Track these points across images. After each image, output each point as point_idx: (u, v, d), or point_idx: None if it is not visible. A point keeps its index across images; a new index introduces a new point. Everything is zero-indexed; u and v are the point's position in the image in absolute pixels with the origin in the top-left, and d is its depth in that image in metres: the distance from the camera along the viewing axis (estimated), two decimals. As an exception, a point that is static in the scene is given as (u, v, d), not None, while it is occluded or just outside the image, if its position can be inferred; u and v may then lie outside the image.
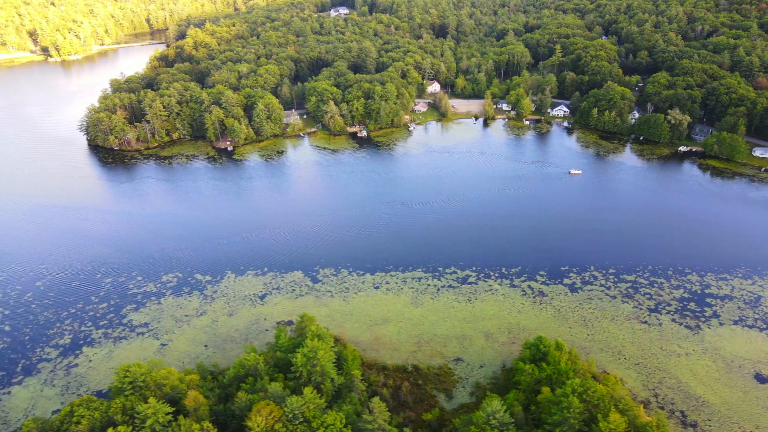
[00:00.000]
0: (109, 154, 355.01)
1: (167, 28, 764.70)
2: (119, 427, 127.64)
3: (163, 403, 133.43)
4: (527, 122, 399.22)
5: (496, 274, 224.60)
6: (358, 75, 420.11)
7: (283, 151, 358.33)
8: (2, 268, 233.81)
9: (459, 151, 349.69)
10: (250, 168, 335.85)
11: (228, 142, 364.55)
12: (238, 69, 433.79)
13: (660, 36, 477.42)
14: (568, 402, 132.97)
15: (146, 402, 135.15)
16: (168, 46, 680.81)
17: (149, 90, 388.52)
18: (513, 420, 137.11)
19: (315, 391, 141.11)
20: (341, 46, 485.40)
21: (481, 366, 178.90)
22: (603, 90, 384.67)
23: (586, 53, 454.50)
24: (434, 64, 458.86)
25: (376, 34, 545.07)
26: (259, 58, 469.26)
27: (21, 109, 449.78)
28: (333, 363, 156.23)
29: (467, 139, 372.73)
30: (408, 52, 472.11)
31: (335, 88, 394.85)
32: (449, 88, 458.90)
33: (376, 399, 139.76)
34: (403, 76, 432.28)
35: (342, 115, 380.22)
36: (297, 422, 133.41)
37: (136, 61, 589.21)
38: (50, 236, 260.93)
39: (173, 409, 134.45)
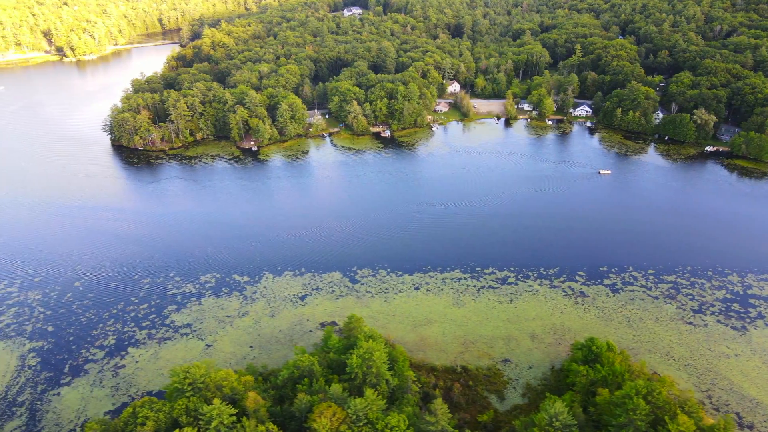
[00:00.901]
0: (134, 155, 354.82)
1: (179, 28, 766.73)
2: (185, 429, 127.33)
3: (227, 404, 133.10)
4: (549, 122, 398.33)
5: (535, 275, 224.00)
6: (379, 75, 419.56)
7: (308, 151, 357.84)
8: (40, 268, 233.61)
9: (485, 151, 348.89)
10: (276, 168, 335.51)
11: (252, 142, 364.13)
12: (258, 69, 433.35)
13: (680, 36, 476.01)
14: (633, 404, 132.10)
15: (209, 403, 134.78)
16: (182, 45, 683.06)
17: (172, 90, 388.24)
18: (576, 422, 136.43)
19: (376, 392, 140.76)
20: (360, 46, 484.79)
21: (530, 367, 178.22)
22: (627, 90, 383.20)
23: (606, 53, 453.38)
24: (454, 64, 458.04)
25: (393, 34, 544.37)
26: (278, 58, 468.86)
27: (41, 109, 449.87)
28: (387, 364, 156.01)
29: (491, 139, 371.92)
30: (427, 52, 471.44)
31: (357, 88, 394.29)
32: (469, 88, 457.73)
33: (438, 401, 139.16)
34: (424, 76, 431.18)
35: (365, 115, 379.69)
36: (361, 424, 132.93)
37: (151, 61, 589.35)
38: (83, 236, 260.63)
39: (237, 410, 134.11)
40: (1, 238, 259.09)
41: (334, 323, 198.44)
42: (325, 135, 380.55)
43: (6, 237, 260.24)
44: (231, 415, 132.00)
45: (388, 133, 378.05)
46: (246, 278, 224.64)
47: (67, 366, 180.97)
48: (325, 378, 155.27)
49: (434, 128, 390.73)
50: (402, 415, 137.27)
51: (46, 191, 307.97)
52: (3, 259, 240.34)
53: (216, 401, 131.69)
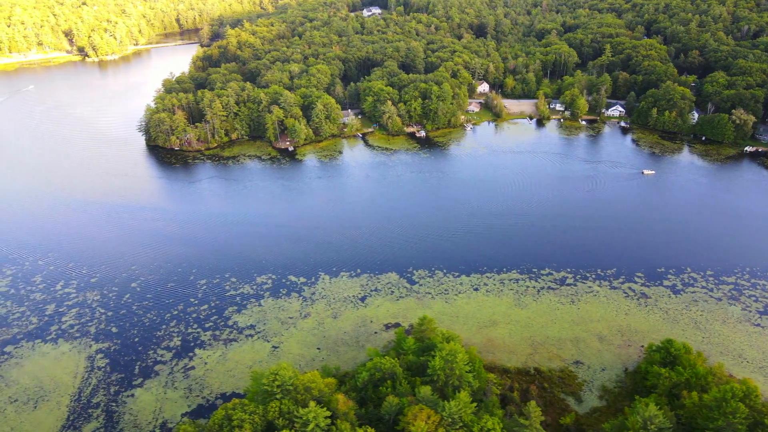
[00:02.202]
0: (171, 155, 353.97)
1: (197, 28, 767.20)
2: (283, 431, 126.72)
3: (321, 407, 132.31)
4: (583, 122, 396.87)
5: (593, 276, 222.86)
6: (411, 75, 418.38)
7: (345, 152, 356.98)
8: (94, 270, 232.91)
9: (523, 151, 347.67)
10: (316, 168, 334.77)
11: (288, 142, 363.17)
12: (289, 69, 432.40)
13: (709, 35, 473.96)
14: (731, 407, 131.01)
15: (304, 406, 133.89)
16: (203, 45, 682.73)
17: (206, 90, 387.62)
18: (671, 425, 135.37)
19: (468, 395, 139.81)
20: (388, 45, 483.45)
21: (603, 369, 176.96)
22: (662, 90, 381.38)
23: (636, 53, 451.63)
24: (483, 64, 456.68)
25: (418, 34, 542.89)
26: (306, 58, 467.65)
27: (71, 109, 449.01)
28: (468, 366, 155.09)
29: (527, 139, 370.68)
30: (455, 52, 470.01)
31: (391, 88, 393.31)
32: (498, 88, 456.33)
33: (532, 403, 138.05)
34: (454, 75, 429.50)
35: (399, 116, 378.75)
36: (457, 427, 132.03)
37: (173, 61, 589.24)
38: (132, 237, 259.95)
39: (330, 413, 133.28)
40: (53, 238, 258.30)
41: (398, 324, 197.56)
42: (360, 135, 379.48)
43: (57, 237, 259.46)
44: (325, 417, 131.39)
45: (423, 134, 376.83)
46: (302, 279, 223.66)
47: (136, 367, 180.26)
48: (407, 380, 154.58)
49: (468, 128, 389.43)
50: (494, 418, 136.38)
51: (89, 192, 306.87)
52: (57, 260, 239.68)
53: (312, 404, 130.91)
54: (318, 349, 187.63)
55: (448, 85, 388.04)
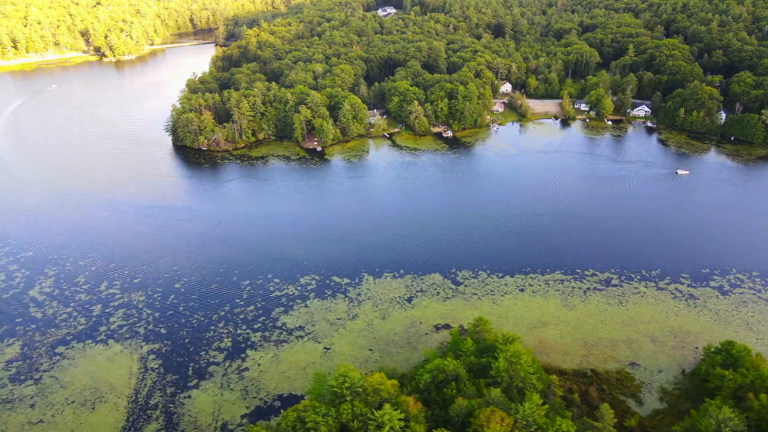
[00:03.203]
0: (199, 155, 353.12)
1: (211, 28, 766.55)
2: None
3: (395, 409, 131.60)
4: (609, 122, 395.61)
5: (638, 277, 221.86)
6: (436, 75, 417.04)
7: (373, 152, 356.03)
8: (136, 270, 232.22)
9: (552, 152, 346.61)
10: (346, 168, 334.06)
11: (315, 142, 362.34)
12: (312, 69, 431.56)
13: (732, 35, 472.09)
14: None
15: (378, 408, 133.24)
16: (217, 45, 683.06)
17: (232, 90, 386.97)
18: (745, 427, 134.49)
19: (539, 396, 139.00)
20: (410, 45, 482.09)
21: (660, 371, 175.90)
22: (689, 90, 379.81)
23: (659, 53, 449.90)
24: (505, 64, 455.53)
25: (437, 33, 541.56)
26: (328, 58, 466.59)
27: (95, 108, 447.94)
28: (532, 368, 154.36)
29: (555, 139, 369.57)
30: (477, 51, 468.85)
31: (417, 88, 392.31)
32: (521, 88, 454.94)
33: (605, 405, 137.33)
34: (477, 75, 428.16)
35: (426, 116, 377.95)
36: (532, 429, 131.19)
37: (190, 61, 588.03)
38: (170, 237, 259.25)
39: (404, 415, 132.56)
40: (91, 239, 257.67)
41: (447, 326, 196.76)
42: (387, 135, 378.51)
43: (95, 238, 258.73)
44: (399, 419, 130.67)
45: (449, 134, 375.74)
46: (346, 280, 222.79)
47: (190, 368, 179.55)
48: (471, 382, 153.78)
49: (494, 129, 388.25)
50: (566, 420, 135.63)
51: (121, 192, 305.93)
52: (97, 261, 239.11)
53: (387, 406, 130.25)
54: (370, 350, 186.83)
55: (473, 85, 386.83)
